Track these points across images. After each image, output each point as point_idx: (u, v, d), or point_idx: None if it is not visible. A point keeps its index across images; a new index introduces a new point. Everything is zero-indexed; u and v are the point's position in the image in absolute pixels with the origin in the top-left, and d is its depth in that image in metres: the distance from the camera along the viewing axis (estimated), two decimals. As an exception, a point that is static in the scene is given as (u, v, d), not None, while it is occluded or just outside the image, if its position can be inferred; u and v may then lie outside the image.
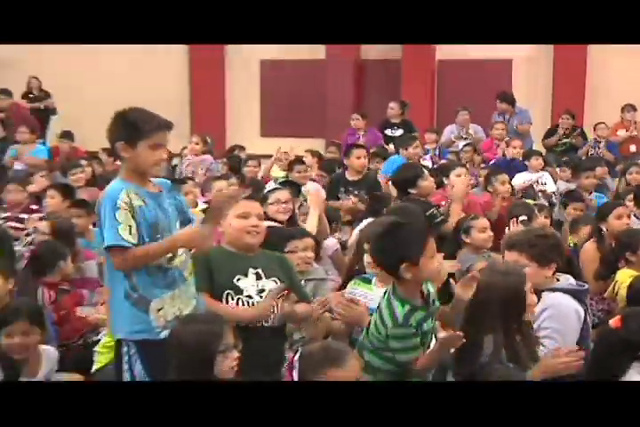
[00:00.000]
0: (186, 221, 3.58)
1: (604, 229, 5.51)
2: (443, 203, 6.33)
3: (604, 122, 10.98)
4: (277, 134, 13.14)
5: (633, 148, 10.81)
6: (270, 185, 6.93)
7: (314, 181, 7.75)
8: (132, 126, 3.29)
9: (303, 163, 7.83)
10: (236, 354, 3.11)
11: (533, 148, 10.26)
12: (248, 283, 3.75)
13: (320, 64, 13.37)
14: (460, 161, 9.03)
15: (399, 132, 10.61)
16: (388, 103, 10.98)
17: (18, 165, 9.76)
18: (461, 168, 7.00)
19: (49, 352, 4.05)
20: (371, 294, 4.00)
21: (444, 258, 3.97)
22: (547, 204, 7.57)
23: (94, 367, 4.35)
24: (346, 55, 13.04)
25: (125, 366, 3.37)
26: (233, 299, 3.72)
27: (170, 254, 3.37)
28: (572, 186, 8.09)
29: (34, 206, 7.03)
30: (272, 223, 4.88)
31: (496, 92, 11.21)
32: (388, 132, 10.70)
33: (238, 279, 3.74)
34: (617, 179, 8.53)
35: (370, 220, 5.23)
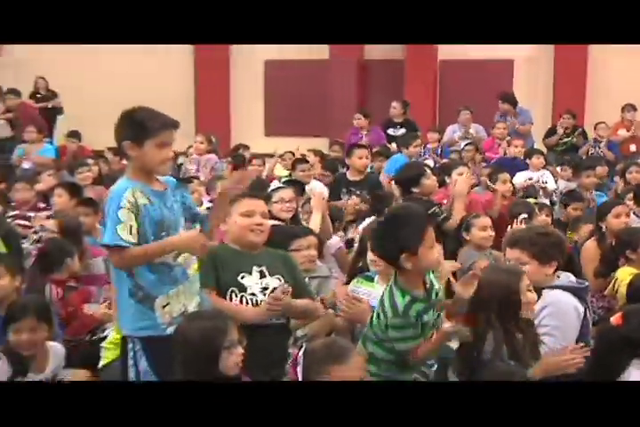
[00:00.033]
0: (192, 217, 3.58)
1: (604, 228, 5.52)
2: (444, 201, 6.33)
3: (605, 122, 10.97)
4: (281, 134, 13.16)
5: (633, 147, 10.80)
6: (274, 184, 6.94)
7: (317, 180, 7.75)
8: (139, 125, 3.30)
9: (306, 162, 7.84)
10: (240, 350, 3.11)
11: (535, 147, 10.25)
12: (252, 281, 3.75)
13: (323, 64, 13.37)
14: (462, 160, 9.03)
15: (401, 131, 10.62)
16: (391, 103, 10.98)
17: (25, 164, 9.79)
18: (463, 167, 7.00)
19: (56, 348, 4.06)
20: (373, 291, 3.99)
21: (446, 257, 3.98)
22: (548, 202, 7.57)
23: (101, 363, 4.36)
24: (349, 55, 13.05)
25: (131, 362, 3.38)
26: (237, 296, 3.72)
27: (175, 252, 3.37)
28: (573, 185, 8.09)
29: (41, 205, 7.05)
30: (275, 222, 4.88)
31: (497, 92, 11.20)
32: (391, 131, 10.71)
33: (242, 277, 3.74)
34: (618, 177, 8.53)
35: (372, 218, 5.24)
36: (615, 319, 3.41)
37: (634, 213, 6.11)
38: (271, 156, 9.21)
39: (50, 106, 12.88)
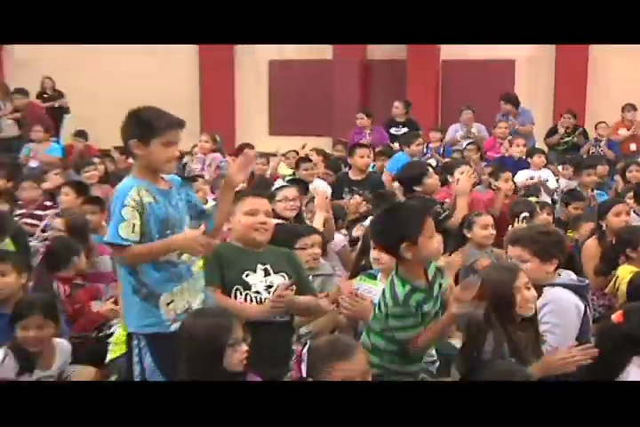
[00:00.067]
0: (198, 215, 3.58)
1: (605, 226, 5.51)
2: (447, 200, 6.33)
3: (605, 121, 10.96)
4: (285, 133, 13.17)
5: (633, 146, 10.79)
6: (278, 183, 6.93)
7: (321, 178, 7.75)
8: (146, 124, 3.29)
9: (310, 161, 7.83)
10: (245, 347, 3.12)
11: (536, 147, 10.24)
12: (256, 279, 3.75)
13: (327, 64, 13.37)
14: (464, 159, 9.02)
15: (404, 130, 10.61)
16: (393, 103, 10.98)
17: (32, 163, 9.80)
18: (465, 166, 6.99)
19: (62, 345, 4.06)
20: (376, 289, 4.00)
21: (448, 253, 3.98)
22: (549, 200, 7.57)
23: (108, 357, 4.37)
24: (352, 55, 13.05)
25: (136, 359, 3.38)
26: (242, 294, 3.72)
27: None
28: (574, 184, 8.08)
29: (48, 203, 7.06)
30: (279, 221, 4.88)
31: (499, 92, 11.19)
32: (393, 130, 10.71)
33: (247, 275, 3.74)
34: (618, 176, 8.52)
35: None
36: (616, 317, 3.41)
37: (634, 211, 6.11)
38: (275, 155, 9.21)
39: (56, 105, 12.90)
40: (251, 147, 10.52)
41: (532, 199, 6.96)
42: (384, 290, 3.39)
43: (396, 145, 9.61)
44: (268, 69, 14.17)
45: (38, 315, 3.86)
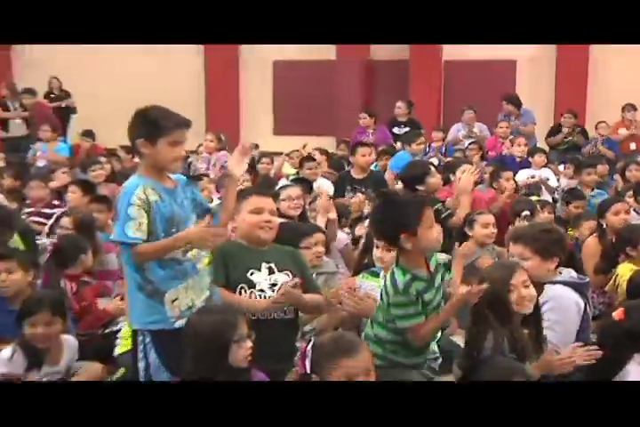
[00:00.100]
0: (204, 213, 3.58)
1: (605, 225, 5.51)
2: (448, 199, 6.32)
3: (605, 121, 10.94)
4: (289, 133, 13.17)
5: (633, 146, 10.77)
6: (282, 182, 6.93)
7: (324, 177, 7.75)
8: (153, 124, 3.29)
9: (314, 160, 7.83)
10: (249, 344, 3.12)
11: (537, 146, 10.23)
12: (261, 277, 3.76)
13: (330, 65, 13.37)
14: (466, 158, 9.02)
15: (406, 130, 10.60)
16: (396, 103, 10.98)
17: (40, 162, 9.81)
18: (467, 165, 6.98)
19: (70, 341, 4.07)
20: (378, 287, 3.99)
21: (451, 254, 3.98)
22: (550, 199, 7.56)
23: (118, 351, 4.39)
24: (355, 56, 13.04)
25: (141, 355, 3.39)
26: (246, 293, 3.72)
27: (184, 247, 3.37)
28: (575, 183, 8.07)
29: (56, 202, 7.07)
30: (283, 220, 4.88)
31: (500, 92, 11.17)
32: (396, 130, 10.71)
33: (252, 273, 3.75)
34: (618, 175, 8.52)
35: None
36: (617, 314, 3.41)
37: (634, 210, 6.11)
38: (282, 154, 9.21)
39: (63, 105, 12.90)
40: (255, 146, 10.55)
41: (534, 198, 6.95)
42: (385, 280, 3.41)
43: (399, 144, 9.61)
44: (272, 70, 14.18)
45: (46, 312, 3.87)
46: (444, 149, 10.57)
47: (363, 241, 4.93)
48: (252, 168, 8.73)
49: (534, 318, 3.47)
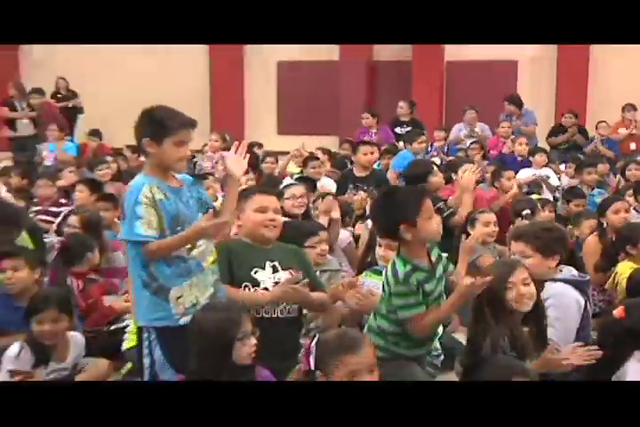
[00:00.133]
0: (207, 211, 3.58)
1: (605, 224, 5.51)
2: (450, 198, 6.32)
3: (605, 121, 10.92)
4: (293, 132, 13.17)
5: (633, 145, 10.75)
6: (287, 181, 6.93)
7: (328, 176, 7.75)
8: (159, 124, 3.29)
9: (317, 159, 7.83)
10: (253, 341, 3.12)
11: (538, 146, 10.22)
12: (265, 276, 3.75)
13: (334, 65, 13.37)
14: (467, 158, 9.02)
15: (408, 129, 10.59)
16: (398, 103, 10.98)
17: (48, 161, 9.82)
18: (469, 165, 6.98)
19: (76, 338, 4.07)
20: (380, 284, 3.99)
21: (453, 253, 3.97)
22: (551, 198, 7.56)
23: (125, 346, 4.40)
24: (358, 57, 13.05)
25: (146, 351, 3.39)
26: (250, 291, 3.71)
27: (189, 246, 3.37)
28: (576, 182, 8.07)
29: (63, 200, 7.07)
30: (287, 219, 4.87)
31: (502, 92, 11.17)
32: (398, 130, 10.70)
33: (256, 272, 3.74)
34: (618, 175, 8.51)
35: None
36: (618, 312, 3.41)
37: (634, 208, 6.10)
38: (286, 153, 9.19)
39: (70, 105, 12.91)
40: (260, 146, 10.55)
41: (535, 197, 6.94)
42: (386, 271, 3.40)
43: (401, 144, 9.61)
44: (276, 70, 14.18)
45: (53, 309, 3.87)
46: (446, 148, 10.57)
47: (365, 239, 4.93)
48: (255, 167, 8.74)
49: (535, 316, 3.46)
